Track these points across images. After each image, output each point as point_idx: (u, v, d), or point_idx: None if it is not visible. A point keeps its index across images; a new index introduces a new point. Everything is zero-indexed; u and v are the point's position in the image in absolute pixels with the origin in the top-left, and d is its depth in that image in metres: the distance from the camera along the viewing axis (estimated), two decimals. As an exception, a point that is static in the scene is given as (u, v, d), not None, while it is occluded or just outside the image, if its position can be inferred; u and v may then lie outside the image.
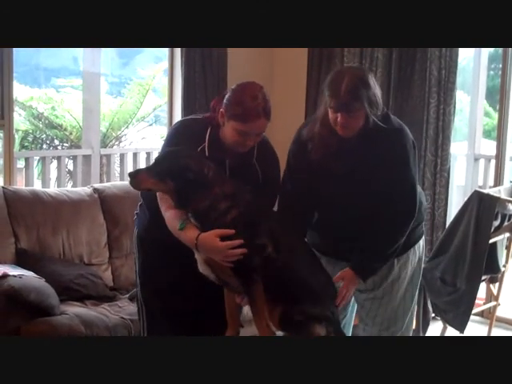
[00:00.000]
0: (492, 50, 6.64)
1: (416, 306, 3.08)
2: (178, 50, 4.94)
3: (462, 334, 4.03)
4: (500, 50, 4.99)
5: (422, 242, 3.01)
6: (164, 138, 2.91)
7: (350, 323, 3.08)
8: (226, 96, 2.68)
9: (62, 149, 7.71)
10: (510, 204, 4.10)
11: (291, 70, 5.52)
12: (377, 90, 2.68)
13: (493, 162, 5.09)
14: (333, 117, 2.64)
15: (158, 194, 2.68)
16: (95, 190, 4.44)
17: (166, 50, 5.27)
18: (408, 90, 4.85)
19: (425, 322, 4.43)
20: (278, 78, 5.59)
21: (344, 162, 2.72)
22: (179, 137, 2.76)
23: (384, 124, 2.72)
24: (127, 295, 4.02)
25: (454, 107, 4.67)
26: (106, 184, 4.72)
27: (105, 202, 4.39)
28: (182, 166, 2.51)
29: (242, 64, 4.87)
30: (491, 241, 4.02)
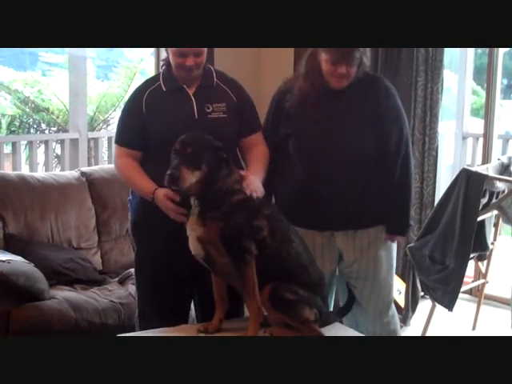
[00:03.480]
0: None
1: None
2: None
3: (450, 312, 4.06)
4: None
5: None
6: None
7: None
8: None
9: (50, 133, 7.67)
10: (497, 181, 4.11)
11: (278, 71, 5.47)
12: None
13: (481, 140, 5.10)
14: (330, 69, 2.78)
15: (115, 149, 2.92)
16: (83, 173, 4.43)
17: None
18: (395, 69, 4.83)
19: (414, 301, 4.45)
20: (266, 78, 5.55)
21: (331, 111, 2.86)
22: (135, 92, 2.91)
23: (370, 76, 2.92)
24: (117, 279, 4.02)
25: (442, 86, 4.66)
26: (93, 167, 4.71)
27: (93, 185, 4.38)
28: (215, 147, 2.54)
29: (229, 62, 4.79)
30: (479, 218, 4.03)
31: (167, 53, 2.83)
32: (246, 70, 5.24)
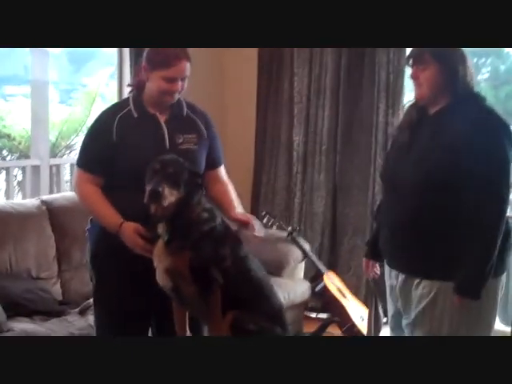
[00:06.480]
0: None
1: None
2: (126, 55, 4.89)
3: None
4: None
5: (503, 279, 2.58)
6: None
7: None
8: (145, 53, 2.74)
9: (11, 159, 7.58)
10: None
11: (241, 75, 5.53)
12: (461, 62, 2.55)
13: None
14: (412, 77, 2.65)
15: (77, 173, 2.82)
16: (43, 201, 4.36)
17: (115, 55, 5.20)
18: (357, 95, 4.88)
19: (376, 328, 4.44)
20: (229, 83, 5.59)
21: (417, 137, 2.63)
22: (102, 116, 2.84)
23: (473, 104, 2.55)
24: (77, 309, 3.95)
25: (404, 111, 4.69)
26: (54, 195, 4.65)
27: (53, 213, 4.31)
28: (193, 172, 2.57)
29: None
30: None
31: (135, 78, 2.82)
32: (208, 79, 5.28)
